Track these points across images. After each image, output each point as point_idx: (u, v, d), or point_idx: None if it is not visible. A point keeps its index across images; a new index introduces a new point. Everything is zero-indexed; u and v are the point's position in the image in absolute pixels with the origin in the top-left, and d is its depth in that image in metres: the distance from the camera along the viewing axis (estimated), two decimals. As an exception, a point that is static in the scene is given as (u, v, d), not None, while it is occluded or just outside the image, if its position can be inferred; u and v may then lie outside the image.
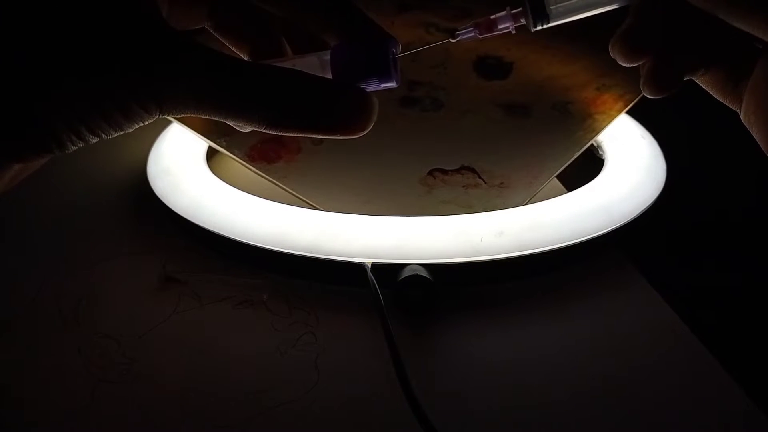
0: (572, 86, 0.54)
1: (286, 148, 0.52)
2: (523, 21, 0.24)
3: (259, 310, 0.43)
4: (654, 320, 0.42)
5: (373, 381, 0.38)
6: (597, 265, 0.46)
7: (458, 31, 0.24)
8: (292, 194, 0.49)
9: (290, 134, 0.24)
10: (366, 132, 0.24)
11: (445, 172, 0.50)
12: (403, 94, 0.55)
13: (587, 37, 0.52)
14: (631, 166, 0.51)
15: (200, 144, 0.55)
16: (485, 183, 0.49)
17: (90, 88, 0.22)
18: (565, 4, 0.23)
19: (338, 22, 0.25)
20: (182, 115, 0.23)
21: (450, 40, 0.25)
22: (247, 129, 0.24)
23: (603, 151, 0.54)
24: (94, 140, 0.23)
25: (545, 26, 0.24)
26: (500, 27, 0.24)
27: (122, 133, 0.23)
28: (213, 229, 0.46)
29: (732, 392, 0.37)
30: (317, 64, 0.25)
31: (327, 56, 0.25)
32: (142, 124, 0.23)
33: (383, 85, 0.24)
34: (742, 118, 0.25)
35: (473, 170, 0.50)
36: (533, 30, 0.24)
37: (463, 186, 0.49)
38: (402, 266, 0.42)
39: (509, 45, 0.57)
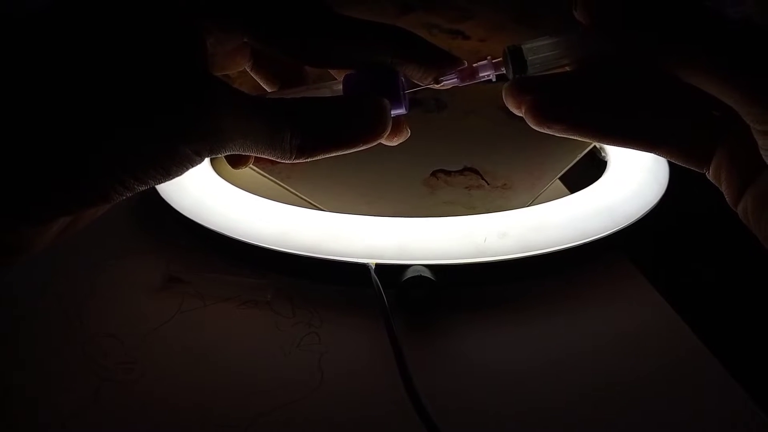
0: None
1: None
2: (503, 70, 0.26)
3: (262, 310, 0.43)
4: (656, 321, 0.42)
5: (377, 381, 0.38)
6: (600, 266, 0.46)
7: (442, 77, 0.26)
8: (296, 195, 0.49)
9: (318, 157, 0.25)
10: (386, 134, 0.26)
11: (448, 173, 0.50)
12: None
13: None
14: (633, 167, 0.51)
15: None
16: (488, 184, 0.49)
17: (137, 136, 0.21)
18: (541, 56, 0.25)
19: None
20: (226, 154, 0.23)
21: (434, 85, 0.27)
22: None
23: (605, 153, 0.54)
24: (142, 188, 0.23)
25: (523, 76, 0.25)
26: (481, 75, 0.26)
27: (170, 179, 0.23)
28: (216, 229, 0.46)
29: (733, 392, 0.37)
30: (329, 95, 0.27)
31: (338, 86, 0.27)
32: (190, 168, 0.23)
33: (393, 112, 0.26)
34: (710, 176, 0.26)
35: (476, 171, 0.50)
36: (511, 78, 0.25)
37: (466, 187, 0.49)
38: (405, 267, 0.42)
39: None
